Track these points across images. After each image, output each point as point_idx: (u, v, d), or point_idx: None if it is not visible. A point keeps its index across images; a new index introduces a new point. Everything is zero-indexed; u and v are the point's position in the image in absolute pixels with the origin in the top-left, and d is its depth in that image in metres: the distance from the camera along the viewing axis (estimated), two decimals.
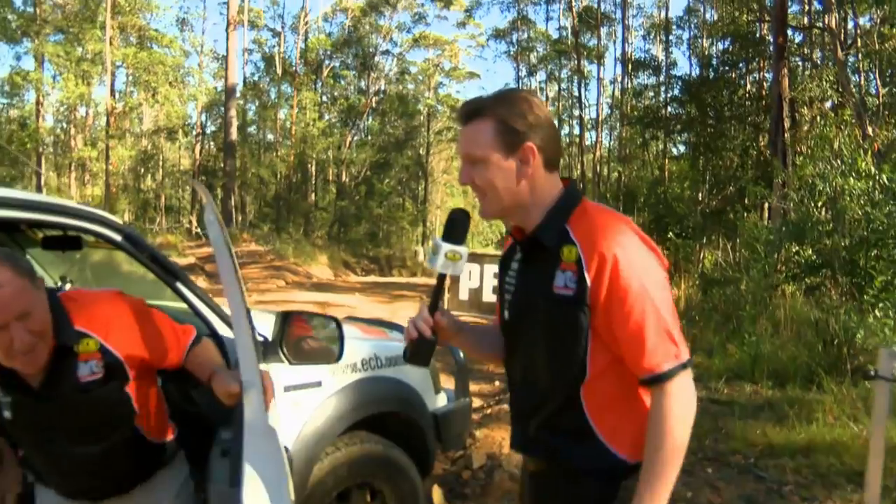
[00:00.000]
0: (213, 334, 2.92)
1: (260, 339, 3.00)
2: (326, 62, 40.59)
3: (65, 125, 39.45)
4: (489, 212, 1.83)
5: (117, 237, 2.60)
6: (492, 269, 13.38)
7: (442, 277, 1.84)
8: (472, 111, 1.77)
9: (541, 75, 44.99)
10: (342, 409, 3.29)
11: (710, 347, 8.72)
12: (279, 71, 39.37)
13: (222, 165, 33.39)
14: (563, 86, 44.34)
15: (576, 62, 37.82)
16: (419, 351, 1.84)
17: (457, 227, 1.83)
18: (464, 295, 13.64)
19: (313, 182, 40.47)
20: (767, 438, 5.46)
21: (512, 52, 43.75)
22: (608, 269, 1.63)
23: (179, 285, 2.76)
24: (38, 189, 30.83)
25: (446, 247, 1.79)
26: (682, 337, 1.68)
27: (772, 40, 19.04)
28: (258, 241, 28.16)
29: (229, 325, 2.91)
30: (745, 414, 6.16)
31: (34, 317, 1.96)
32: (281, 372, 3.04)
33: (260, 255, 24.99)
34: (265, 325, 3.09)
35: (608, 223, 1.70)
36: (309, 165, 39.40)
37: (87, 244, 3.25)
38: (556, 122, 1.89)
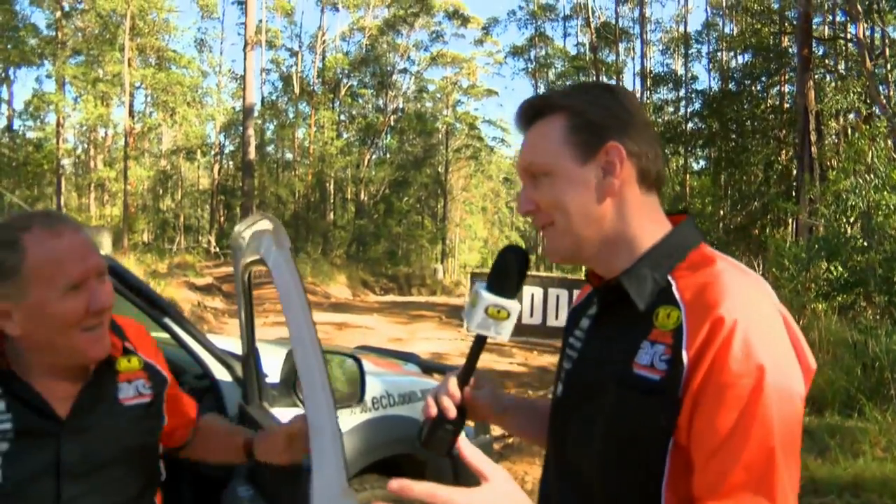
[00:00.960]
0: (208, 377, 2.67)
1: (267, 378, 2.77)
2: (344, 81, 40.62)
3: (85, 146, 39.73)
4: (559, 249, 1.25)
5: None
6: (530, 290, 13.19)
7: (480, 340, 1.29)
8: (535, 108, 1.25)
9: None
10: (351, 453, 3.01)
11: None
12: (297, 90, 39.41)
13: (241, 185, 33.37)
14: None
15: (594, 78, 37.59)
16: (437, 435, 1.29)
17: (507, 274, 1.28)
18: None
19: (332, 201, 40.42)
20: (809, 472, 5.11)
21: (530, 69, 43.70)
22: (719, 340, 1.03)
23: (168, 321, 2.50)
24: (58, 210, 30.97)
25: (489, 299, 1.24)
26: (791, 499, 1.04)
27: (796, 52, 18.73)
28: None
29: (227, 366, 2.66)
30: None
31: (108, 281, 1.56)
32: (283, 413, 2.80)
33: None
34: (271, 360, 2.85)
35: (740, 284, 1.10)
36: (327, 184, 39.36)
37: None
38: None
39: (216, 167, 40.75)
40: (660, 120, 31.48)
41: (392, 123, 41.36)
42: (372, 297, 27.11)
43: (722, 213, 25.16)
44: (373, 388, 3.21)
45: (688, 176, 30.86)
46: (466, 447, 1.10)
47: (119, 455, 1.61)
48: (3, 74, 33.86)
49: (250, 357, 2.46)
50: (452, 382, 1.31)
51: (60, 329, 1.47)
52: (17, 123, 36.01)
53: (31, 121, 36.65)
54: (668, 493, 1.09)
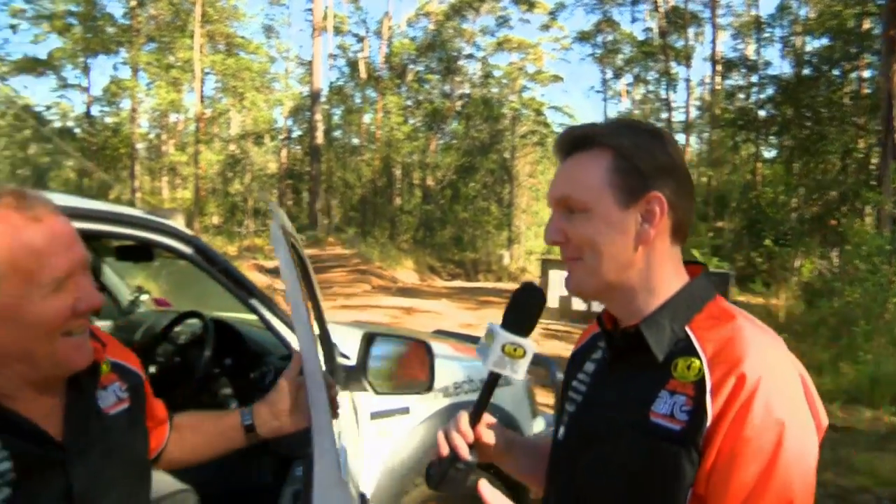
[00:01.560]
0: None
1: (344, 361, 2.77)
2: (410, 66, 40.65)
3: (157, 131, 40.64)
4: (582, 287, 1.23)
5: (188, 249, 2.36)
6: None
7: (493, 378, 1.29)
8: (579, 138, 1.22)
9: (627, 78, 44.27)
10: (433, 438, 3.00)
11: (818, 365, 8.11)
12: (363, 75, 39.59)
13: (308, 169, 33.80)
14: (650, 88, 43.58)
15: (663, 63, 36.90)
16: (449, 475, 1.25)
17: (523, 311, 1.28)
18: (553, 302, 13.23)
19: (398, 186, 40.56)
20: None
21: (597, 55, 43.13)
22: (742, 396, 1.04)
23: (254, 301, 2.50)
24: (133, 192, 31.83)
25: (504, 337, 1.24)
26: None
27: (880, 34, 18.00)
28: (344, 245, 28.26)
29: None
30: (869, 444, 5.61)
31: (91, 275, 1.32)
32: (367, 397, 2.81)
33: (345, 259, 25.04)
34: (343, 340, 2.84)
35: (761, 342, 1.11)
36: (394, 169, 39.49)
37: (160, 255, 3.06)
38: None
39: (284, 152, 41.23)
40: (731, 107, 30.67)
41: (458, 109, 41.26)
42: (439, 282, 27.16)
43: (795, 202, 24.48)
44: (454, 373, 3.20)
45: (759, 164, 30.09)
46: (486, 488, 1.13)
47: (123, 471, 1.45)
48: (83, 63, 34.87)
49: (321, 339, 2.46)
50: (464, 420, 1.31)
51: (41, 335, 1.22)
52: (95, 109, 37.13)
53: (108, 106, 37.75)
54: None
